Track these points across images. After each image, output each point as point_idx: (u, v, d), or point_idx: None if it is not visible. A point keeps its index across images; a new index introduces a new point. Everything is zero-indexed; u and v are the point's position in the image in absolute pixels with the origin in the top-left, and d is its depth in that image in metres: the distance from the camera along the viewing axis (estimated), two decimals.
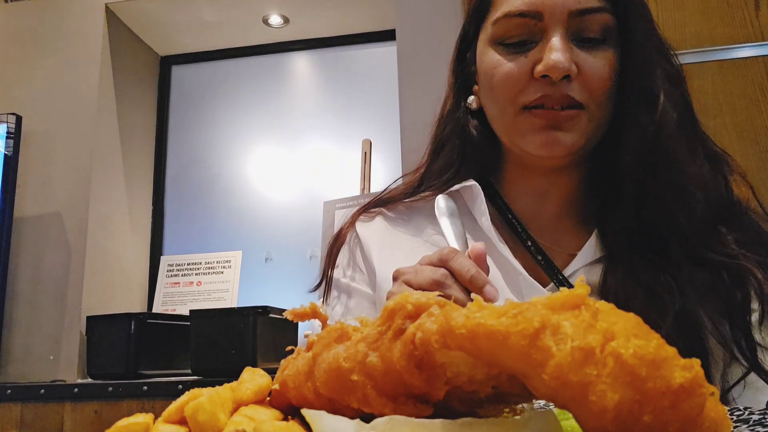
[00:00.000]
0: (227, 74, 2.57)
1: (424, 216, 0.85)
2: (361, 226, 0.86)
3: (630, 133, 0.70)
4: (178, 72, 2.62)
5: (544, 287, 0.74)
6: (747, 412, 0.38)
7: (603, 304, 0.26)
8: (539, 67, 0.69)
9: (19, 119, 2.05)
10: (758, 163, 1.54)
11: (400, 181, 0.90)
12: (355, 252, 0.86)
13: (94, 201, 2.14)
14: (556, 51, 0.68)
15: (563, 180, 0.79)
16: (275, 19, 2.39)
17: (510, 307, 0.27)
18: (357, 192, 1.97)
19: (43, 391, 1.69)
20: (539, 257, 0.75)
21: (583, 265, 0.74)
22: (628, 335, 0.24)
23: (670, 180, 0.69)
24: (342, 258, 0.87)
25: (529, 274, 0.75)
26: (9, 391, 1.71)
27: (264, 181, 2.47)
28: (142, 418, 0.34)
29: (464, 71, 0.83)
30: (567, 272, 0.74)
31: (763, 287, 0.67)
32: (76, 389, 1.68)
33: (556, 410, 0.31)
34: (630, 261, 0.69)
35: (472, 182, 0.79)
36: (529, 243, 0.77)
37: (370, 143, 1.98)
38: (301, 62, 2.54)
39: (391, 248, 0.82)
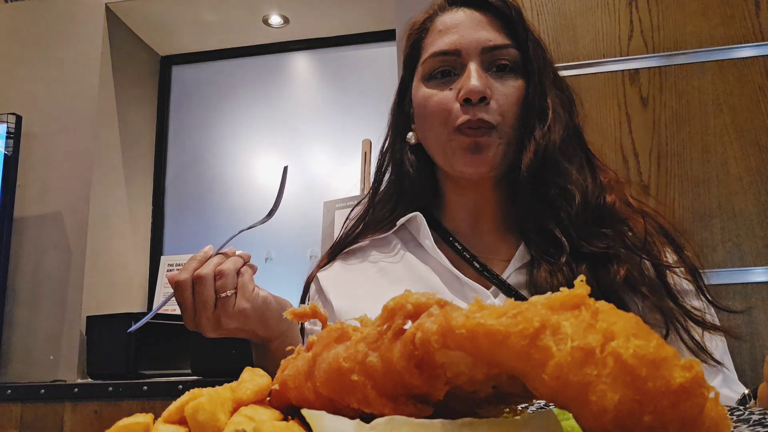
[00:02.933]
0: (227, 74, 2.57)
1: (377, 248, 0.98)
2: (321, 273, 0.99)
3: (528, 146, 0.84)
4: (178, 72, 2.62)
5: (487, 290, 0.85)
6: (747, 412, 0.38)
7: (603, 304, 0.26)
8: (462, 93, 0.83)
9: (19, 119, 2.05)
10: (758, 164, 1.54)
11: (356, 210, 1.03)
12: (314, 297, 1.00)
13: (94, 201, 2.14)
14: (473, 78, 0.83)
15: (493, 199, 0.92)
16: (275, 19, 2.39)
17: (510, 307, 0.27)
18: (357, 192, 1.96)
19: (43, 391, 1.69)
20: (478, 266, 0.87)
21: (515, 269, 0.86)
22: (628, 335, 0.24)
23: (555, 182, 0.83)
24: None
25: (471, 281, 0.87)
26: (9, 391, 1.71)
27: (264, 181, 2.47)
28: (142, 418, 0.34)
29: (402, 112, 0.96)
30: (503, 276, 0.86)
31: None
32: (76, 389, 1.67)
33: (556, 410, 0.31)
34: (545, 262, 0.81)
35: (415, 213, 0.92)
36: (468, 256, 0.89)
37: (370, 143, 1.98)
38: (301, 62, 2.54)
39: (349, 284, 0.95)
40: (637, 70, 1.63)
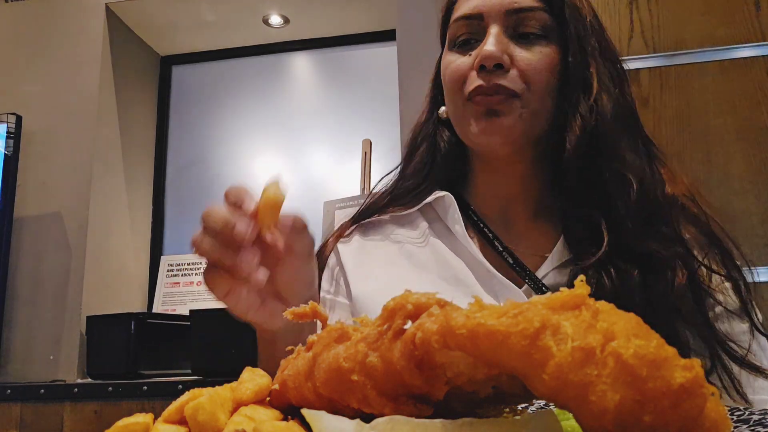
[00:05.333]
0: (227, 74, 2.57)
1: (399, 225, 0.90)
2: (342, 246, 0.91)
3: (573, 121, 0.76)
4: (178, 72, 2.62)
5: (519, 288, 0.78)
6: (747, 412, 0.38)
7: (603, 304, 0.26)
8: (477, 59, 0.77)
9: (19, 119, 2.05)
10: (759, 164, 1.54)
11: (384, 181, 0.95)
12: (334, 269, 0.91)
13: (94, 201, 2.14)
14: (489, 43, 0.76)
15: (527, 182, 0.83)
16: (275, 19, 2.39)
17: (510, 307, 0.27)
18: (357, 192, 1.96)
19: (42, 391, 1.69)
20: (511, 260, 0.79)
21: (553, 267, 0.78)
22: (629, 335, 0.24)
23: (608, 166, 0.74)
24: (325, 275, 0.92)
25: (503, 274, 0.79)
26: (9, 391, 1.71)
27: (264, 182, 2.46)
28: (141, 418, 0.34)
29: (438, 85, 0.90)
30: (539, 274, 0.77)
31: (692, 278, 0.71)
32: (75, 389, 1.68)
33: (556, 410, 0.31)
34: (593, 265, 0.72)
35: (444, 193, 0.85)
36: (501, 248, 0.81)
37: (370, 143, 1.98)
38: (301, 62, 2.54)
39: (367, 264, 0.88)
40: (637, 70, 1.63)
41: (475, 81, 0.77)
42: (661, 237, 0.71)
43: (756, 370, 0.70)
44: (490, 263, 0.80)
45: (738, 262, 0.76)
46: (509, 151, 0.80)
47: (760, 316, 0.76)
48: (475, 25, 0.80)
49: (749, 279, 0.76)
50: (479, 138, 0.79)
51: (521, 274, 0.78)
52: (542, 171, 0.82)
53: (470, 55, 0.79)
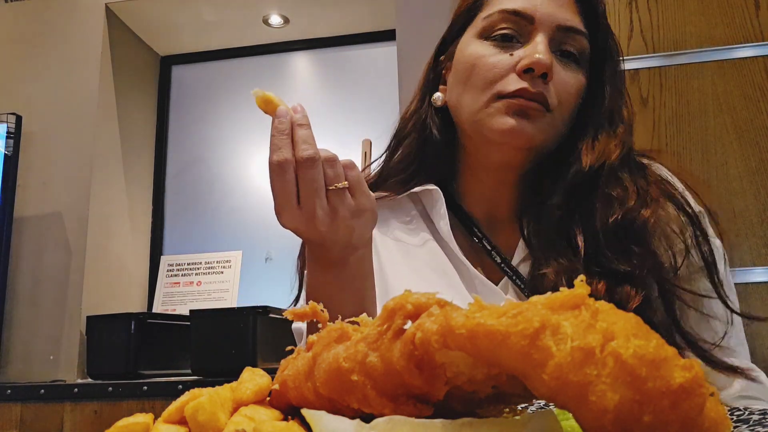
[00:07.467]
0: (227, 74, 2.57)
1: (389, 209, 0.89)
2: None
3: (592, 145, 0.78)
4: (178, 72, 2.62)
5: (496, 284, 0.80)
6: (747, 413, 0.38)
7: (603, 304, 0.26)
8: (524, 61, 0.74)
9: (19, 119, 2.05)
10: (758, 164, 1.54)
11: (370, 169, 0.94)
12: None
13: (94, 201, 2.14)
14: (542, 51, 0.74)
15: (514, 189, 0.84)
16: (275, 19, 2.39)
17: (510, 307, 0.27)
18: None
19: (43, 391, 1.69)
20: (498, 260, 0.81)
21: (521, 259, 0.80)
22: (628, 335, 0.24)
23: (603, 192, 0.76)
24: None
25: (484, 271, 0.82)
26: (9, 391, 1.71)
27: (264, 181, 2.46)
28: (142, 418, 0.34)
29: (435, 71, 0.88)
30: (514, 262, 0.81)
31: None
32: (76, 389, 1.67)
33: (556, 410, 0.31)
34: (554, 260, 0.74)
35: (433, 186, 0.84)
36: (485, 243, 0.82)
37: (370, 143, 1.97)
38: (301, 62, 2.54)
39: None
40: (637, 70, 1.63)
41: (517, 82, 0.75)
42: (630, 256, 0.73)
43: (732, 371, 0.69)
44: (474, 260, 0.82)
45: (721, 247, 0.79)
46: (519, 158, 0.80)
47: (736, 302, 0.78)
48: (523, 25, 0.77)
49: (723, 255, 0.78)
50: (503, 136, 0.76)
51: (501, 265, 0.80)
52: (530, 179, 0.83)
53: (511, 54, 0.77)
